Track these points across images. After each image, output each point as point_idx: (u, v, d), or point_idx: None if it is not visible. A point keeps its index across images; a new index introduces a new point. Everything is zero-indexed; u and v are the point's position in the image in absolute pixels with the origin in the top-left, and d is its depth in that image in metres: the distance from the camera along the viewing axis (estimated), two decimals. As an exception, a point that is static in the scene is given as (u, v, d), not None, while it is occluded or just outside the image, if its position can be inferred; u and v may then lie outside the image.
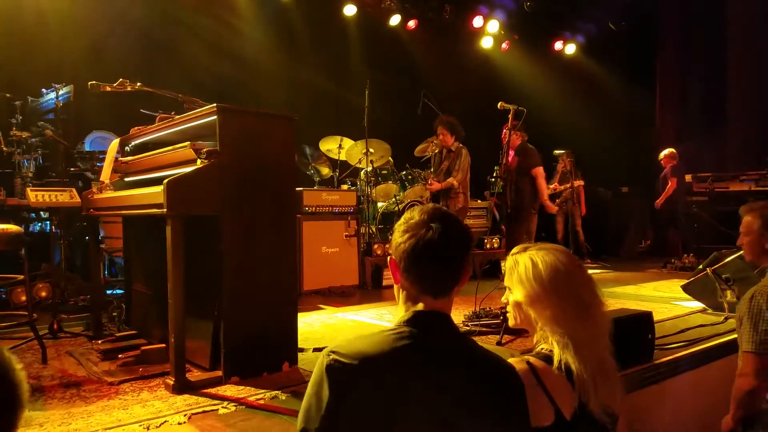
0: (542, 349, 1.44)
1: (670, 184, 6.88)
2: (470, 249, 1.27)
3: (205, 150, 2.52)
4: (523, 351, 2.98)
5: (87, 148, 5.46)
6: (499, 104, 3.93)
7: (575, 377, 1.36)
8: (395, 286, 1.29)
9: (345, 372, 1.07)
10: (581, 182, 7.54)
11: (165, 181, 2.37)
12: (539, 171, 5.70)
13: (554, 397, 1.34)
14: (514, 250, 1.57)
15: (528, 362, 1.37)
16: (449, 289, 1.22)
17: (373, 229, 6.32)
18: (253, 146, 2.65)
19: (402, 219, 1.28)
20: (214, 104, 2.54)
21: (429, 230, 1.19)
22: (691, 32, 8.63)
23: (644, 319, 2.70)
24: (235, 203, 2.56)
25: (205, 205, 2.47)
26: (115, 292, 4.73)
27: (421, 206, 1.28)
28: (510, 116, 3.82)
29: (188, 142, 2.59)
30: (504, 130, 5.77)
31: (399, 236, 1.24)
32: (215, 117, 2.55)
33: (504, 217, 6.00)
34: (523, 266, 1.47)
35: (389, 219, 6.43)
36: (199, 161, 2.55)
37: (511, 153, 5.74)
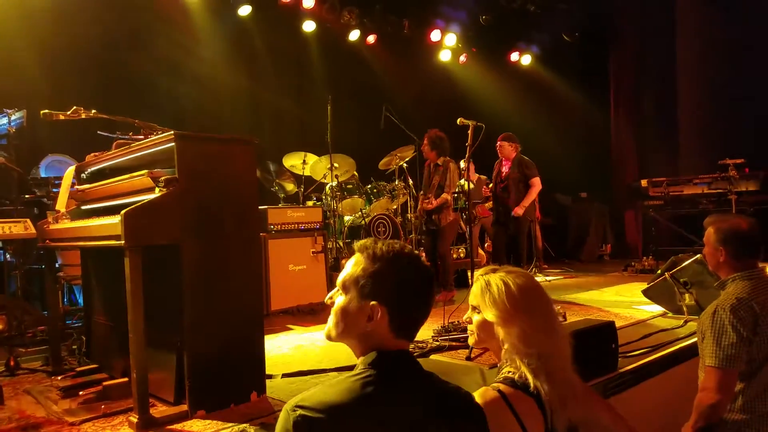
0: (509, 372, 1.46)
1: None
2: (433, 283, 1.29)
3: (163, 178, 2.47)
4: (491, 365, 3.01)
5: (42, 173, 5.28)
6: (458, 120, 3.99)
7: (545, 400, 1.39)
8: (343, 325, 1.23)
9: (312, 427, 1.04)
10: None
11: (122, 212, 2.31)
12: (538, 181, 5.83)
13: (525, 422, 1.37)
14: (482, 271, 1.60)
15: (498, 390, 1.39)
16: (416, 329, 1.23)
17: (341, 244, 6.30)
18: (213, 172, 2.60)
19: (363, 243, 1.24)
20: (172, 131, 2.49)
21: (414, 268, 1.20)
22: (642, 41, 8.95)
23: (607, 330, 2.76)
24: (196, 231, 2.51)
25: (164, 234, 2.42)
26: (75, 323, 4.56)
27: (375, 240, 1.25)
28: (470, 132, 3.88)
29: (146, 171, 2.53)
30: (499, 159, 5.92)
31: (387, 269, 1.18)
32: (173, 144, 2.51)
33: (499, 228, 5.97)
34: (495, 287, 1.49)
35: (356, 233, 6.43)
36: (157, 189, 2.49)
37: (508, 164, 5.86)
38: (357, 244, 1.25)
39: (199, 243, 2.52)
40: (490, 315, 1.48)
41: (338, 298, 1.24)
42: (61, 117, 2.77)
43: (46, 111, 2.74)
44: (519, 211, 5.70)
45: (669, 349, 3.25)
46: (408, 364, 1.20)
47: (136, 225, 2.32)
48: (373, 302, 1.17)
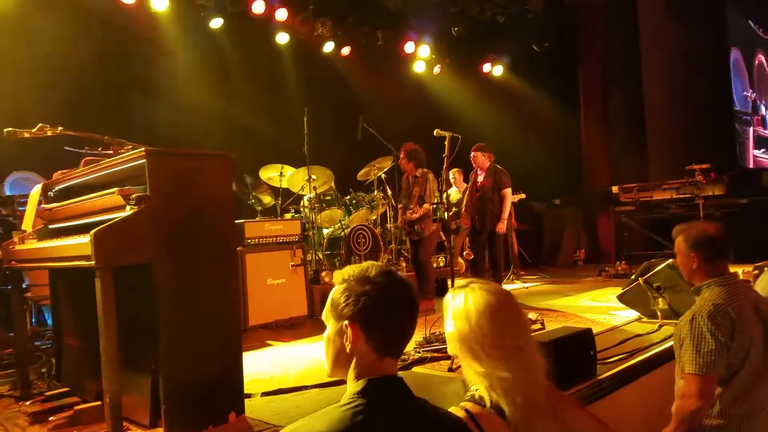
0: (476, 390, 1.46)
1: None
2: (417, 301, 1.29)
3: (134, 196, 2.41)
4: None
5: (7, 191, 5.13)
6: (435, 131, 4.02)
7: (509, 421, 1.38)
8: (331, 354, 1.24)
9: None
10: (522, 195, 7.76)
11: (92, 231, 2.24)
12: (509, 192, 5.91)
13: None
14: (457, 283, 1.59)
15: (466, 410, 1.39)
16: (400, 350, 1.22)
17: (320, 256, 6.26)
18: (187, 188, 2.55)
19: (346, 271, 1.25)
20: (143, 148, 2.44)
21: (386, 283, 1.19)
22: (609, 50, 9.19)
23: (585, 337, 2.79)
24: (170, 249, 2.45)
25: (136, 254, 2.35)
26: (45, 344, 4.41)
27: (356, 266, 1.25)
28: (446, 143, 3.90)
29: (116, 189, 2.46)
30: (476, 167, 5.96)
31: (358, 288, 1.19)
32: (144, 160, 2.45)
33: (476, 237, 6.07)
34: (466, 304, 1.48)
35: (336, 244, 6.40)
36: (128, 207, 2.43)
37: (482, 174, 5.92)
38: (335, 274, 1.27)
39: (172, 261, 2.46)
40: (457, 331, 1.47)
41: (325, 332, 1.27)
42: (26, 135, 2.69)
43: (10, 129, 2.66)
44: (501, 227, 5.80)
45: (645, 354, 3.29)
46: (397, 390, 1.19)
47: (107, 245, 2.26)
48: (345, 322, 1.18)
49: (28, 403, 2.88)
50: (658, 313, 4.13)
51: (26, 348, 3.57)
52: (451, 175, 5.57)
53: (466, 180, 7.33)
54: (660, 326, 3.97)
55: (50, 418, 2.67)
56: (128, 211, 2.41)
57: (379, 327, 1.18)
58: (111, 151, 2.93)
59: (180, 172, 2.54)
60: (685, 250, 2.35)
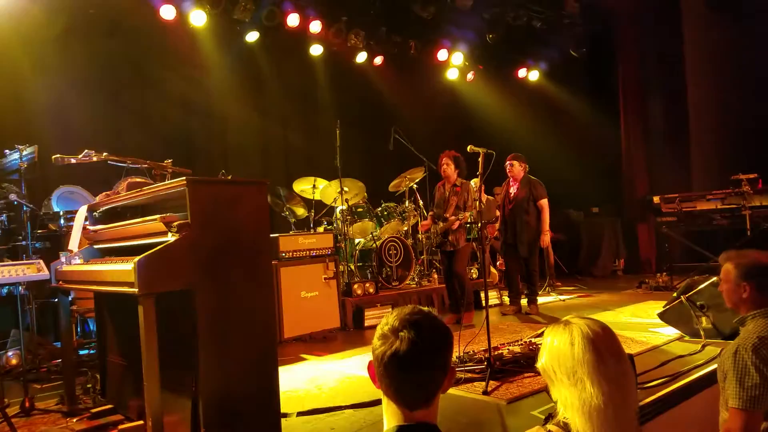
0: (564, 418, 1.44)
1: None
2: (446, 353, 1.23)
3: (176, 223, 2.47)
4: (509, 400, 2.96)
5: (54, 204, 5.33)
6: (468, 147, 3.98)
7: None
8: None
9: None
10: None
11: (135, 259, 2.31)
12: (546, 203, 5.79)
13: None
14: (569, 317, 1.53)
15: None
16: (423, 400, 1.19)
17: (352, 267, 6.30)
18: (225, 214, 2.61)
19: (383, 320, 1.26)
20: (183, 177, 2.51)
21: (398, 340, 1.17)
22: (649, 52, 8.92)
23: (625, 364, 2.71)
24: (209, 275, 2.51)
25: (177, 281, 2.42)
26: (90, 355, 4.57)
27: (399, 309, 1.25)
28: (480, 160, 3.87)
29: (158, 216, 2.54)
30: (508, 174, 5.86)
31: (376, 341, 1.22)
32: (184, 188, 2.52)
33: (509, 250, 5.93)
34: (559, 331, 1.47)
35: (367, 256, 6.43)
36: (170, 234, 2.50)
37: (515, 185, 5.85)
38: None
39: (212, 286, 2.51)
40: (558, 353, 1.44)
41: None
42: (72, 161, 2.81)
43: (57, 156, 2.77)
44: (546, 239, 5.72)
45: (687, 378, 3.19)
46: None
47: (150, 272, 2.32)
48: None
49: (75, 420, 3.00)
50: (701, 333, 4.01)
51: (73, 362, 3.71)
52: (473, 184, 5.42)
53: (487, 192, 7.27)
54: (703, 346, 3.85)
55: (95, 436, 2.76)
56: (170, 237, 2.48)
57: (392, 382, 1.20)
58: (151, 166, 3.01)
59: (219, 199, 2.60)
60: (736, 278, 2.27)
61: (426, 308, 1.27)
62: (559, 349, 1.44)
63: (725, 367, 2.16)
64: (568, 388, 1.41)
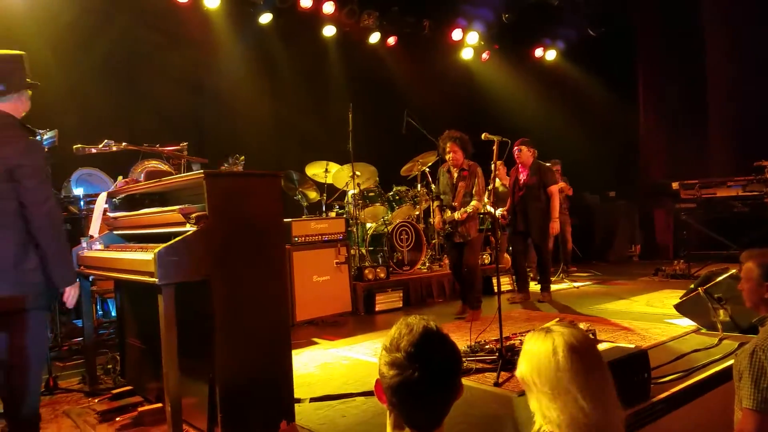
0: (544, 429, 1.43)
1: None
2: (458, 375, 1.24)
3: (194, 215, 2.50)
4: (520, 392, 2.98)
5: (73, 186, 5.40)
6: (483, 135, 3.93)
7: None
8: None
9: None
10: (570, 190, 7.52)
11: (155, 250, 2.35)
12: (556, 189, 5.70)
13: None
14: (550, 324, 1.51)
15: None
16: (436, 424, 1.21)
17: (363, 251, 6.33)
18: (240, 206, 2.64)
19: (389, 339, 1.23)
20: (201, 171, 2.54)
21: (414, 371, 1.15)
22: (669, 32, 8.68)
23: (640, 359, 2.71)
24: (225, 265, 2.54)
25: (196, 271, 2.45)
26: (109, 336, 4.67)
27: (406, 325, 1.23)
28: (495, 148, 3.83)
29: (177, 207, 2.56)
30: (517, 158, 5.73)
31: (384, 366, 1.20)
32: (201, 179, 2.54)
33: (517, 237, 5.83)
34: (539, 339, 1.44)
35: (378, 240, 6.45)
36: (188, 225, 2.53)
37: (525, 171, 5.77)
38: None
39: (227, 276, 2.55)
40: (537, 363, 1.41)
41: None
42: (93, 150, 2.84)
43: (78, 146, 2.80)
44: (555, 227, 5.63)
45: (704, 373, 3.17)
46: None
47: (169, 263, 2.36)
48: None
49: (96, 400, 3.08)
50: (719, 326, 3.97)
51: (94, 343, 3.79)
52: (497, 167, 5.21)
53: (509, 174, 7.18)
54: (720, 339, 3.81)
55: (117, 419, 2.85)
56: (188, 228, 2.51)
57: (401, 411, 1.21)
58: (168, 149, 3.03)
59: (234, 192, 2.63)
60: (758, 278, 2.23)
61: (433, 324, 1.24)
62: (539, 359, 1.39)
63: (741, 367, 2.14)
64: (550, 400, 1.37)
